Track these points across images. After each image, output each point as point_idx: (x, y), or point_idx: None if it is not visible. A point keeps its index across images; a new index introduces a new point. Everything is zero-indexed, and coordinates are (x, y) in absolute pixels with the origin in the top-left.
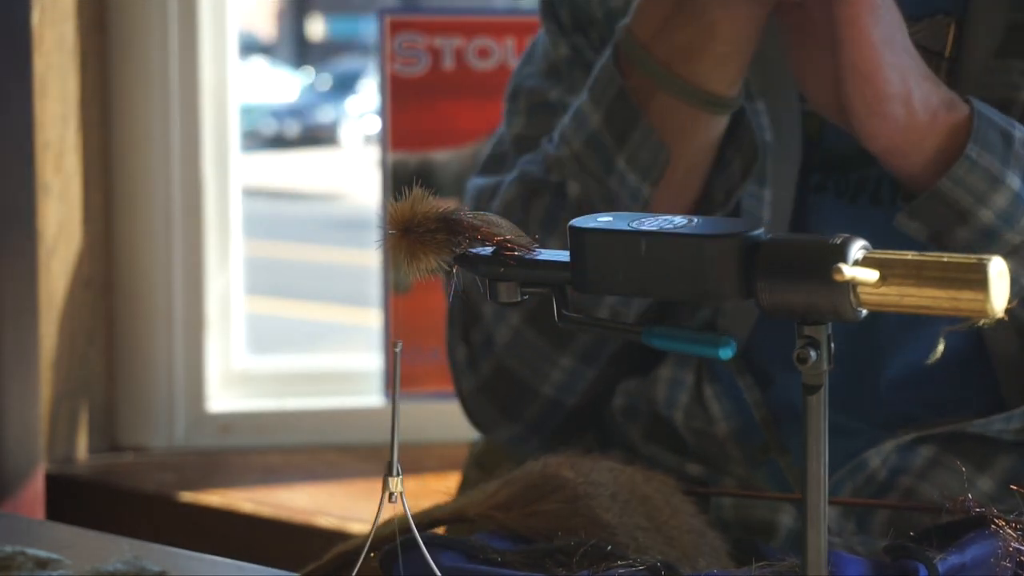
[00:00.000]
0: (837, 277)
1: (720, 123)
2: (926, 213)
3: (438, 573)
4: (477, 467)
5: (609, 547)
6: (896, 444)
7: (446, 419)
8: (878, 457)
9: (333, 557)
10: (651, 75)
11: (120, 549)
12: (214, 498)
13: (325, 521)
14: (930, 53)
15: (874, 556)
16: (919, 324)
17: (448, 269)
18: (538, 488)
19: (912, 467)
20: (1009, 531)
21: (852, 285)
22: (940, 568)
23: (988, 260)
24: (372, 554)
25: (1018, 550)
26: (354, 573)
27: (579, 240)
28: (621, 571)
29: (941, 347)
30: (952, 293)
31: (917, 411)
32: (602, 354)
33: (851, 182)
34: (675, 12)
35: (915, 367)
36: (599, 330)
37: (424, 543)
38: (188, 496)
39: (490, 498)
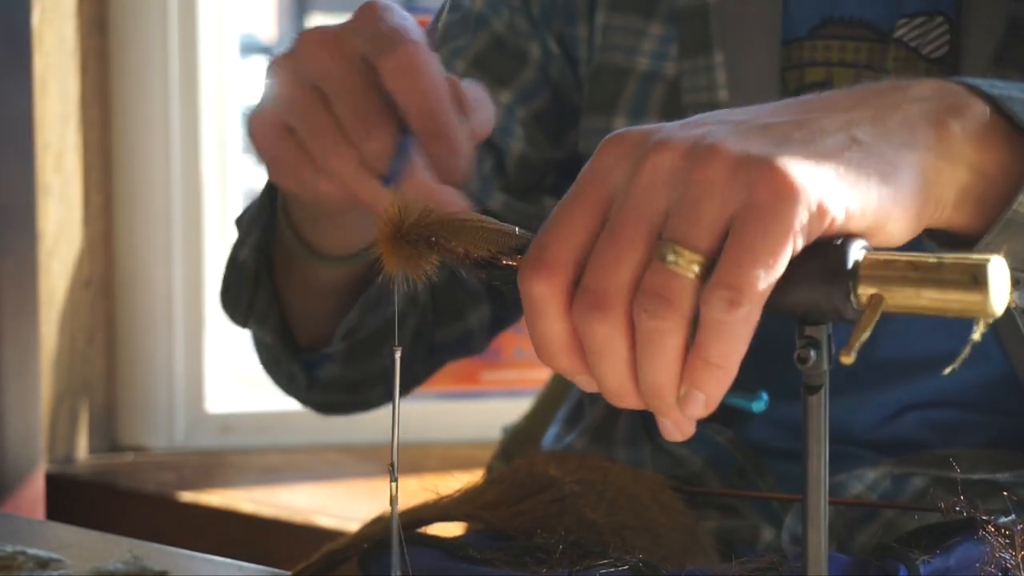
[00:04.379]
0: (844, 360)
1: (345, 272)
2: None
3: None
4: (503, 458)
5: (589, 545)
6: (885, 473)
7: (446, 419)
8: (860, 483)
9: (322, 556)
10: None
11: (120, 549)
12: (214, 498)
13: (325, 521)
14: (918, 56)
15: (859, 555)
16: (928, 350)
17: (447, 269)
18: (525, 487)
19: (900, 497)
20: (997, 537)
21: (852, 285)
22: (922, 570)
23: (988, 260)
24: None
25: (1004, 557)
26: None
27: None
28: (602, 571)
29: (966, 352)
30: (952, 293)
31: (922, 435)
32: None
33: None
34: None
35: (926, 394)
36: None
37: (404, 542)
38: (188, 496)
39: (477, 497)
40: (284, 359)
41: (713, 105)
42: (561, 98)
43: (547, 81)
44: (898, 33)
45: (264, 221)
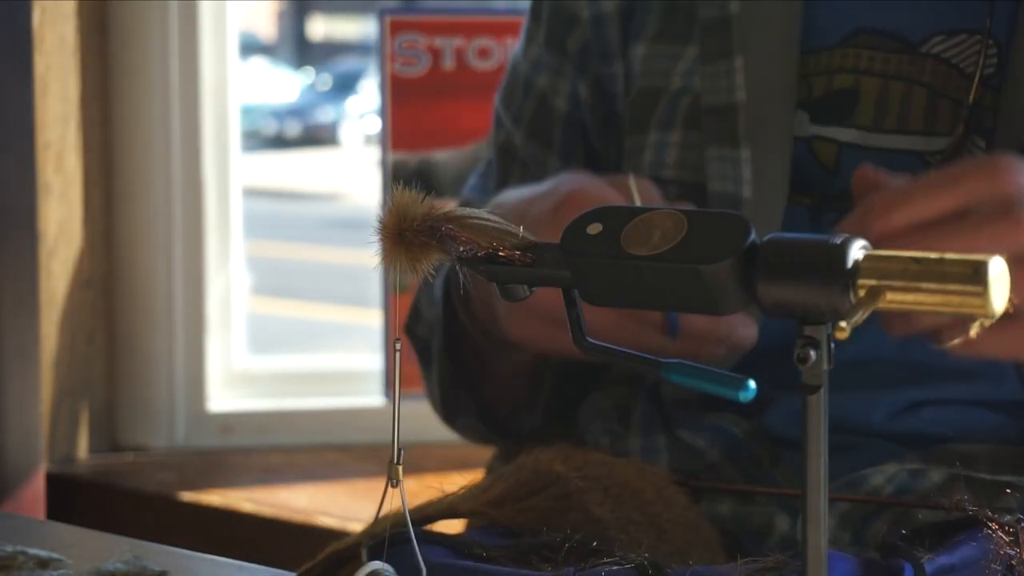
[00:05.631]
0: (839, 335)
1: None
2: None
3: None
4: (503, 459)
5: (595, 543)
6: (904, 467)
7: None
8: (881, 476)
9: (327, 556)
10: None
11: (120, 549)
12: (214, 498)
13: (325, 521)
14: (960, 73)
15: (864, 553)
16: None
17: (449, 266)
18: (530, 484)
19: (918, 490)
20: (1001, 534)
21: (852, 284)
22: (928, 568)
23: (988, 260)
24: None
25: (1008, 554)
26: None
27: (574, 263)
28: (607, 568)
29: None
30: (952, 285)
31: (937, 429)
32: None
33: None
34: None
35: (940, 391)
36: (618, 360)
37: (408, 539)
38: (188, 496)
39: (482, 494)
40: (486, 435)
41: (731, 107)
42: (589, 142)
43: (580, 132)
44: (936, 49)
45: (446, 326)
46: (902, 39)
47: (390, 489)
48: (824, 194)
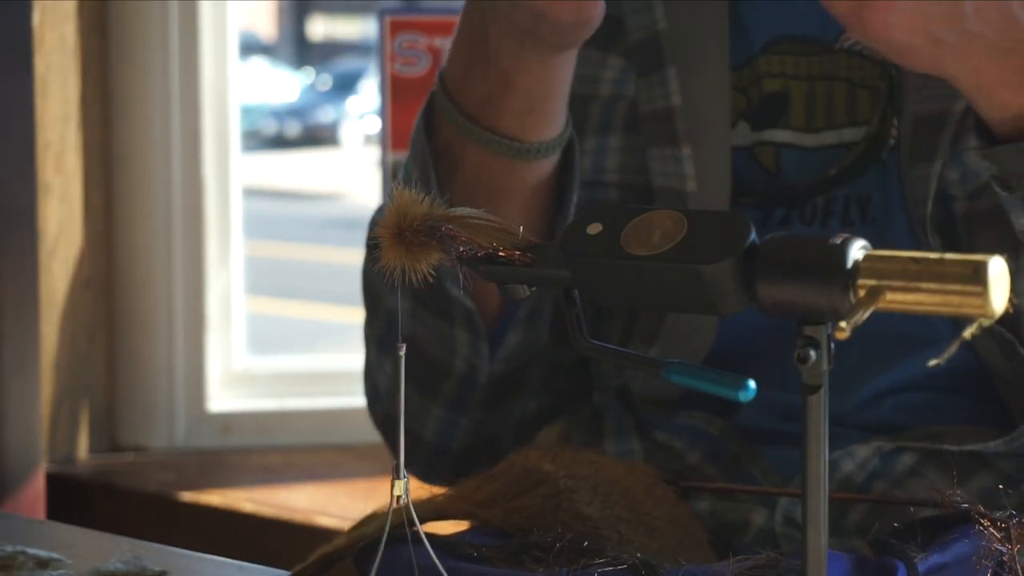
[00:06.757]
0: (839, 335)
1: (541, 167)
2: (1007, 159)
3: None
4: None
5: (586, 542)
6: (875, 449)
7: None
8: (852, 461)
9: (317, 558)
10: (456, 126)
11: (120, 549)
12: (214, 498)
13: (325, 521)
14: (873, 62)
15: (856, 550)
16: (910, 339)
17: (449, 266)
18: (520, 484)
19: (890, 473)
20: (992, 530)
21: (851, 283)
22: (920, 568)
23: (987, 260)
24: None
25: (1000, 550)
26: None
27: (574, 263)
28: (600, 569)
29: (953, 348)
30: (952, 286)
31: (902, 418)
32: (468, 402)
33: (818, 208)
34: (472, 62)
35: (901, 378)
36: (618, 360)
37: (401, 539)
38: (188, 496)
39: (472, 495)
40: (464, 338)
41: (668, 110)
42: None
43: None
44: (847, 43)
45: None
46: (815, 41)
47: (386, 494)
48: (768, 194)
